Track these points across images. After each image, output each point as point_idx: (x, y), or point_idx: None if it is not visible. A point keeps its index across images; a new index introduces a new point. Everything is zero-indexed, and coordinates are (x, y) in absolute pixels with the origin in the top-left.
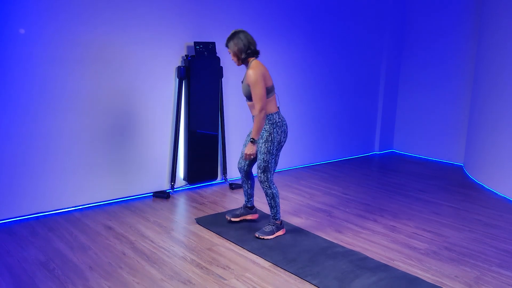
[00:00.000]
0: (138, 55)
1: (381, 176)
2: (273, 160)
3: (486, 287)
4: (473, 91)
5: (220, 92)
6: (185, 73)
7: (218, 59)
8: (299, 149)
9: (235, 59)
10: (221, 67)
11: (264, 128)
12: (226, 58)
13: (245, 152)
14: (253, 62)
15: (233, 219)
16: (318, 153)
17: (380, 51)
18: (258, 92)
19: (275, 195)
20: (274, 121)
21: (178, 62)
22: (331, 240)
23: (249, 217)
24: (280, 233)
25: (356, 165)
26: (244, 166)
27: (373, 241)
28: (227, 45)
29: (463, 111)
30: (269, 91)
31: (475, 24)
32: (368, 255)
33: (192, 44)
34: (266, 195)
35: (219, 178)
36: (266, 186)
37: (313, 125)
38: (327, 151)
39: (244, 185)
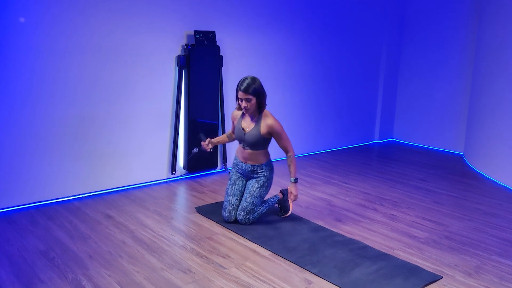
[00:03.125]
0: (138, 44)
1: (381, 165)
2: (259, 203)
3: (486, 276)
4: (473, 80)
5: (220, 81)
6: (185, 62)
7: (218, 48)
8: (299, 138)
9: (253, 108)
10: (221, 56)
11: (264, 174)
12: (226, 47)
13: (294, 193)
14: (268, 112)
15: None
16: (318, 142)
17: (380, 40)
18: (286, 137)
19: (260, 214)
20: (272, 167)
21: (178, 51)
22: (331, 229)
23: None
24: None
25: (356, 154)
26: (233, 215)
27: (373, 230)
28: (248, 91)
29: (463, 100)
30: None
31: (475, 13)
32: (368, 244)
33: (192, 33)
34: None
35: (219, 167)
36: (249, 223)
37: (313, 114)
38: (327, 139)
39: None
